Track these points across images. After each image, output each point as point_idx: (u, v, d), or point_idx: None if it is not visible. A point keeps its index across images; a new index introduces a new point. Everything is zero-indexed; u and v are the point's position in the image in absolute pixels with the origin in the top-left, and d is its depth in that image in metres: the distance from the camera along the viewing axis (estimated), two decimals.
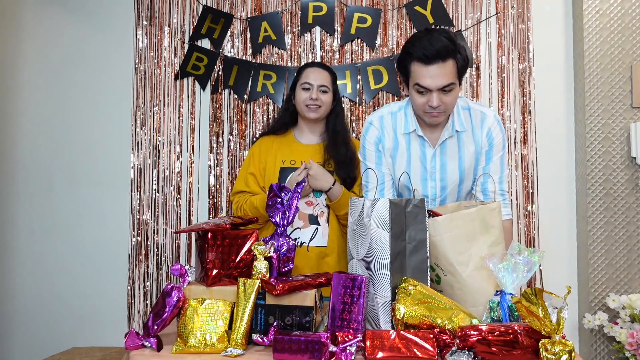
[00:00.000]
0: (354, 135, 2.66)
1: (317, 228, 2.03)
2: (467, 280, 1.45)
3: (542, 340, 1.13)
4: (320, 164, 2.04)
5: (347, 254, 1.53)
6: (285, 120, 2.17)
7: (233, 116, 2.70)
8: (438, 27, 1.82)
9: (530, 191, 2.59)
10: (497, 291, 1.37)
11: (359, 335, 1.21)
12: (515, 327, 1.17)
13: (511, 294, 1.33)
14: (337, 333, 1.23)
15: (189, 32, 2.73)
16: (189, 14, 2.75)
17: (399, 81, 2.60)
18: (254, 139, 2.54)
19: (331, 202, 2.02)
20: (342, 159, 2.05)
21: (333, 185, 2.00)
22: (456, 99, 1.73)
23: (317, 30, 2.70)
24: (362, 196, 1.91)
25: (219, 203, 2.70)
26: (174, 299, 1.32)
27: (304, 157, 2.05)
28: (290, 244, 1.48)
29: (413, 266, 1.41)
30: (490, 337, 1.15)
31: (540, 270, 2.56)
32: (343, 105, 2.62)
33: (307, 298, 1.34)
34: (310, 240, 2.01)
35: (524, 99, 2.60)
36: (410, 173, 1.82)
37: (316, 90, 2.06)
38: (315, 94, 2.06)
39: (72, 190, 2.78)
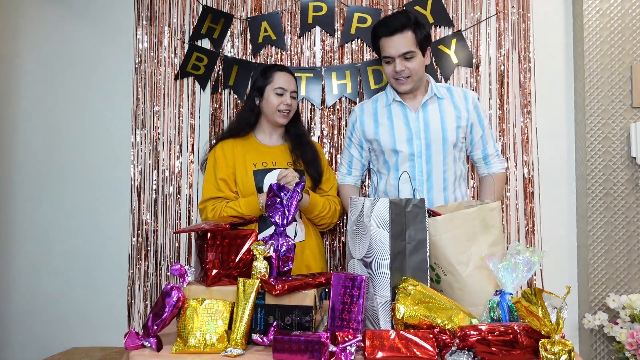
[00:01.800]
0: None
1: (296, 224, 2.06)
2: (467, 280, 1.45)
3: (542, 340, 1.13)
4: (290, 163, 2.09)
5: (347, 254, 1.53)
6: (250, 122, 2.15)
7: (233, 116, 2.70)
8: (418, 18, 2.05)
9: (531, 191, 2.58)
10: (496, 291, 1.37)
11: (358, 335, 1.21)
12: (515, 327, 1.18)
13: (511, 294, 1.33)
14: (336, 333, 1.23)
15: (189, 32, 2.73)
16: (189, 14, 2.74)
17: None
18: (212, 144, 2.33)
19: (302, 208, 2.04)
20: (310, 158, 2.11)
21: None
22: (420, 66, 2.01)
23: (317, 30, 2.70)
24: (330, 188, 2.19)
25: None
26: (174, 299, 1.32)
27: (274, 158, 2.09)
28: (290, 243, 1.48)
29: (413, 266, 1.41)
30: (490, 337, 1.15)
31: (541, 270, 2.56)
32: (343, 105, 2.65)
33: (306, 298, 1.34)
34: (294, 236, 2.04)
35: (524, 99, 2.60)
36: (395, 135, 2.06)
37: (289, 96, 2.09)
38: (289, 100, 2.08)
39: (72, 190, 2.77)
